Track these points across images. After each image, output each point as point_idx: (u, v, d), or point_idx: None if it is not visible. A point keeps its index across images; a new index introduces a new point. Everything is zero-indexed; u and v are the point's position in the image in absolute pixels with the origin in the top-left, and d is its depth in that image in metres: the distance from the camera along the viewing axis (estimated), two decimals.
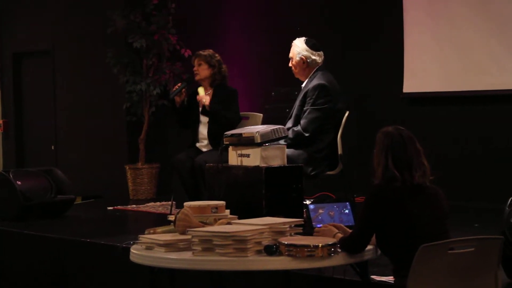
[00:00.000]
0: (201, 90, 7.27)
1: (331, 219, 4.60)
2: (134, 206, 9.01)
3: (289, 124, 6.36)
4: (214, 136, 7.16)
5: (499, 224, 4.65)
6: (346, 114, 6.41)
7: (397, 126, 4.09)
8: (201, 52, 7.46)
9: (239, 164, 5.23)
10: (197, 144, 7.35)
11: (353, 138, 7.25)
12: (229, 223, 4.21)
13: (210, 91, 7.35)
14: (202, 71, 7.37)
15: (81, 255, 6.70)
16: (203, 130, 7.33)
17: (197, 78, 7.41)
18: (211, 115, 7.19)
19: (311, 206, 4.65)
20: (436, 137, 8.16)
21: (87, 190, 10.21)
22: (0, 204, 7.87)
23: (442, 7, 8.24)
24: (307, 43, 6.48)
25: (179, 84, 7.41)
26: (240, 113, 7.40)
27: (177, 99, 7.30)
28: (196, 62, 7.42)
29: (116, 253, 5.13)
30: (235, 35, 9.82)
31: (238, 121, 7.21)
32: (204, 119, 7.32)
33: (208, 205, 4.43)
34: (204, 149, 7.27)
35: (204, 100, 7.16)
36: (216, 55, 7.42)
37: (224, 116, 7.13)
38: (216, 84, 7.34)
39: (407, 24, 8.47)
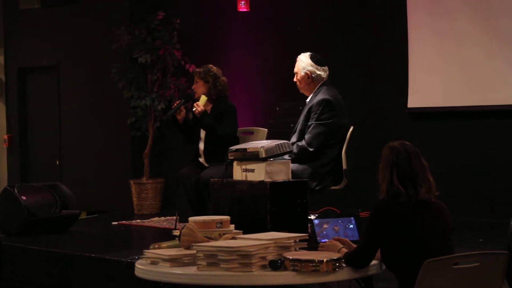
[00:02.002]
0: (202, 99, 7.19)
1: (336, 234, 4.59)
2: (139, 221, 9.00)
3: (294, 139, 6.36)
4: (208, 153, 7.17)
5: (504, 239, 4.65)
6: (351, 129, 6.41)
7: (403, 141, 4.09)
8: (197, 69, 7.48)
9: (243, 179, 5.23)
10: (200, 159, 7.36)
11: (357, 153, 7.23)
12: (234, 238, 4.21)
13: (210, 106, 7.34)
14: (198, 88, 7.38)
15: (85, 270, 6.69)
16: (201, 146, 7.33)
17: (196, 96, 7.42)
18: (200, 124, 7.16)
19: (316, 221, 4.65)
20: (441, 152, 8.15)
21: (91, 205, 10.22)
22: (5, 219, 7.89)
23: (447, 23, 8.25)
24: (312, 58, 6.48)
25: (177, 102, 7.40)
26: (245, 128, 7.37)
27: (178, 116, 7.28)
28: (194, 80, 7.44)
29: (121, 268, 5.12)
30: (239, 50, 9.84)
31: (231, 138, 7.11)
32: (202, 135, 7.31)
33: (213, 220, 4.43)
34: (206, 164, 7.26)
35: (197, 108, 7.10)
36: (213, 69, 7.36)
37: (215, 131, 7.11)
38: (215, 99, 7.33)
39: (412, 40, 8.48)
